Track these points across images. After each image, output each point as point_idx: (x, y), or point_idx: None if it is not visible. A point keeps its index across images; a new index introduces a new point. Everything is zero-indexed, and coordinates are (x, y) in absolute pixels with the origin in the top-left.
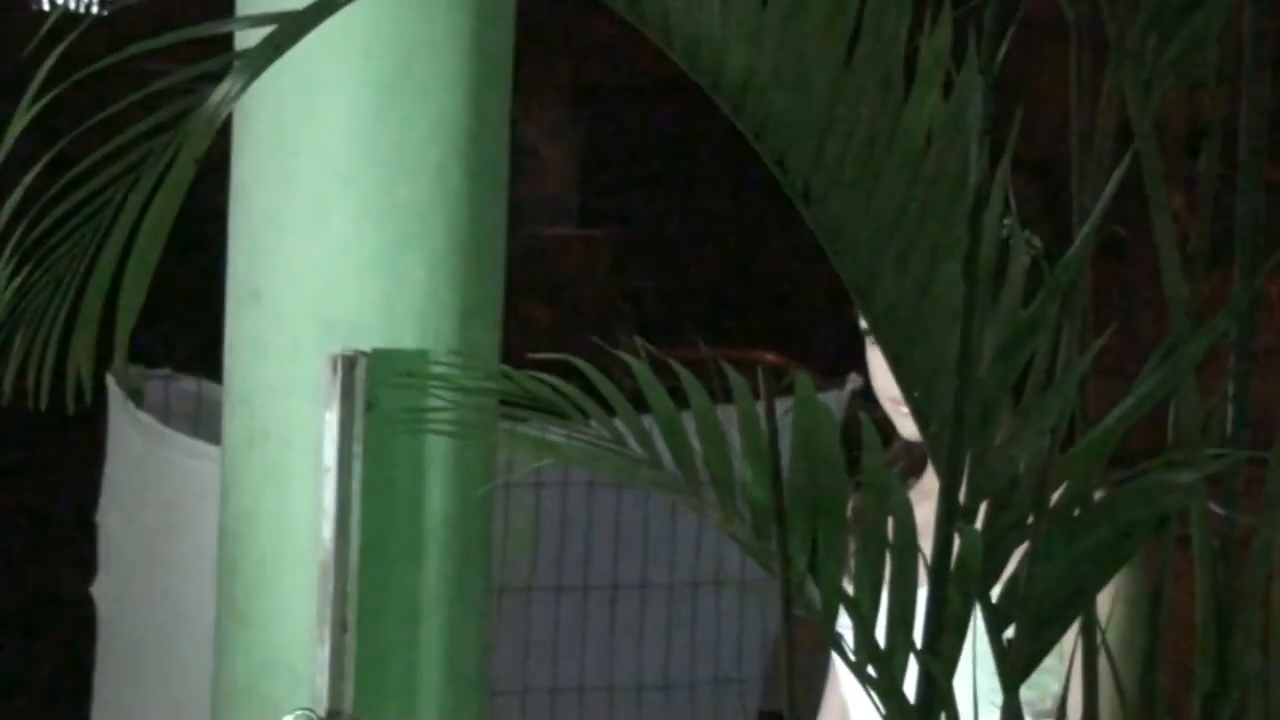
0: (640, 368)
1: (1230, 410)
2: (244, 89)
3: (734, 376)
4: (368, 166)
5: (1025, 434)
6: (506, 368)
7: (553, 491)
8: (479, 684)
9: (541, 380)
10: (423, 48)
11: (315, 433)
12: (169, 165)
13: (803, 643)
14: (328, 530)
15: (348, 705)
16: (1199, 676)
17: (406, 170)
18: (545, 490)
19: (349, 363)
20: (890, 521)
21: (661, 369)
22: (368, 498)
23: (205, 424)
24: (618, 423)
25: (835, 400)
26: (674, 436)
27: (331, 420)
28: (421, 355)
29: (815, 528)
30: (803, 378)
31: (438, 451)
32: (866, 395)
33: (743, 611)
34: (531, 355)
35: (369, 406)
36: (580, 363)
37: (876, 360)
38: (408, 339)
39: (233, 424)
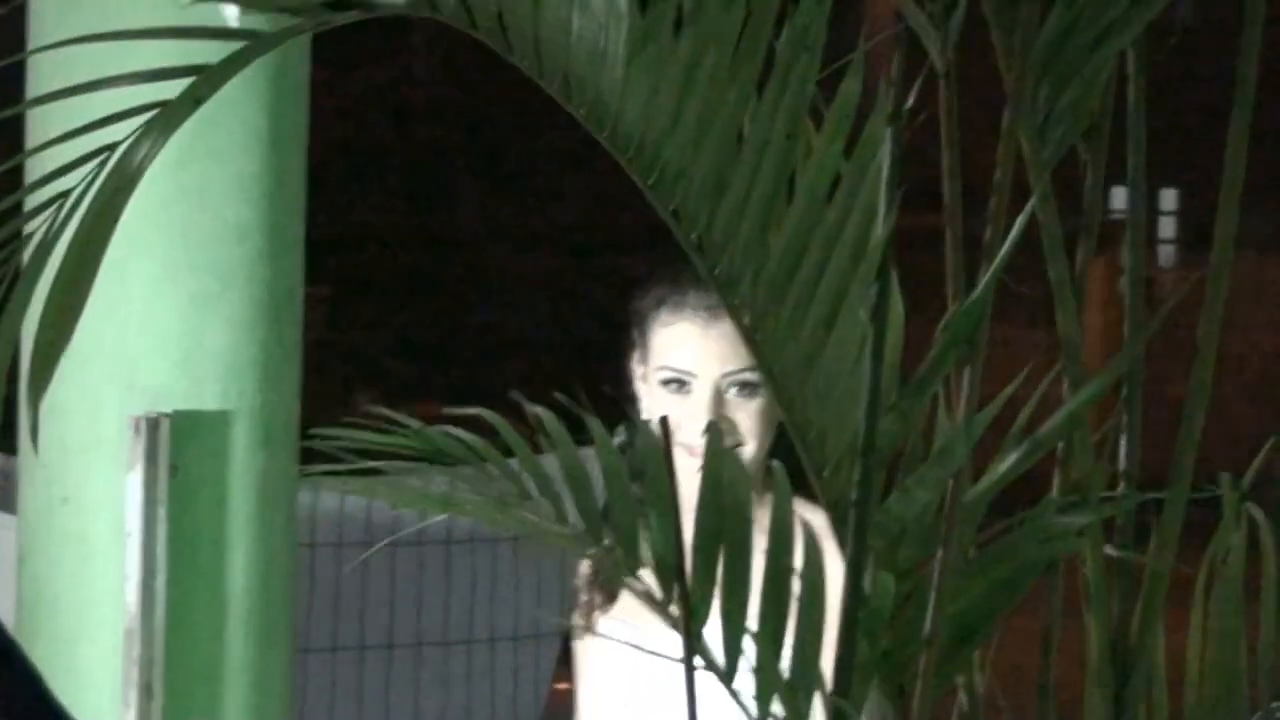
0: (548, 418)
1: (1123, 447)
2: (164, 142)
3: (645, 428)
4: (166, 227)
5: (918, 487)
6: (414, 422)
7: (326, 552)
8: None
9: (451, 436)
10: (219, 108)
11: (117, 497)
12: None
13: None
14: (132, 596)
15: None
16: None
17: (205, 231)
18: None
19: (151, 425)
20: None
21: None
22: (170, 562)
23: None
24: (522, 474)
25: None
26: (580, 490)
27: (135, 484)
28: (223, 416)
29: (721, 577)
30: (714, 426)
31: (241, 515)
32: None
33: (518, 670)
34: (447, 410)
35: (172, 470)
36: (490, 415)
37: (669, 406)
38: (210, 400)
39: (30, 489)
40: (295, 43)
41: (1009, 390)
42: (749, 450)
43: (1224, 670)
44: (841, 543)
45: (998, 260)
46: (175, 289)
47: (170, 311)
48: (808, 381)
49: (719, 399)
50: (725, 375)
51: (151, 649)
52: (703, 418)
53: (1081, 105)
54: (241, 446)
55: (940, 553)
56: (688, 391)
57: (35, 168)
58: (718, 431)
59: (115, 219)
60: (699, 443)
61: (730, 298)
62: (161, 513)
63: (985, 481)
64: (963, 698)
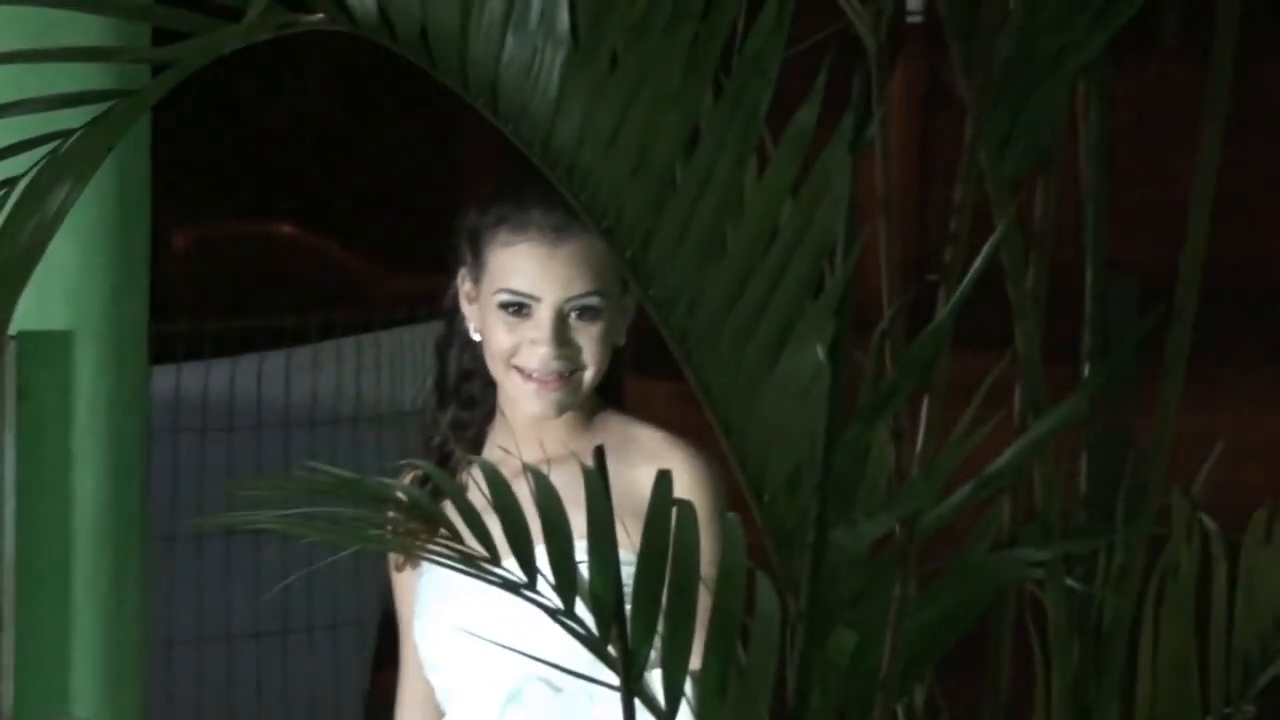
0: (491, 469)
1: (1083, 486)
2: (83, 186)
3: (586, 469)
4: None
5: (867, 522)
6: (348, 475)
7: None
8: (138, 682)
9: (385, 485)
10: (63, 17)
11: None
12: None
13: None
14: None
15: (6, 705)
16: None
17: None
18: None
19: None
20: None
21: None
22: (18, 489)
23: None
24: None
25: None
26: (517, 532)
27: None
28: (70, 336)
29: (664, 619)
30: (664, 475)
31: (90, 436)
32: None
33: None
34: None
35: (19, 393)
36: (424, 465)
37: (506, 329)
38: (57, 320)
39: None
40: None
41: (980, 433)
42: (588, 375)
43: (1176, 696)
44: (781, 570)
45: (964, 283)
46: None
47: None
48: (750, 409)
49: (561, 323)
50: (569, 300)
51: (0, 579)
52: (544, 342)
53: (1043, 122)
54: (89, 367)
55: (897, 587)
56: (528, 315)
57: None
58: (667, 481)
59: (34, 262)
60: (539, 368)
61: (667, 317)
62: (8, 438)
63: (934, 515)
64: None
